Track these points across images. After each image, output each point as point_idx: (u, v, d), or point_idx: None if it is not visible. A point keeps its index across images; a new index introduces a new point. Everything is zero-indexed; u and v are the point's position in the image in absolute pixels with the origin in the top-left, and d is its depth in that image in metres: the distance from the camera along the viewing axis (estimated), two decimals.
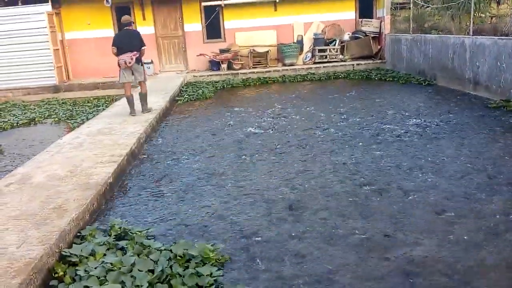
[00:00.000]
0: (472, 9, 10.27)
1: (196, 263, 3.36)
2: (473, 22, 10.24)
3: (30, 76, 13.54)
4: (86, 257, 3.45)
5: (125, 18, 8.67)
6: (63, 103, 12.35)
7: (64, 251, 3.50)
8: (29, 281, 3.02)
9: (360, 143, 6.46)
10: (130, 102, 8.69)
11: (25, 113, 10.91)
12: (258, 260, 3.48)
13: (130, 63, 8.31)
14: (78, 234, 3.89)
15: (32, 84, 13.57)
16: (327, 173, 5.30)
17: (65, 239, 3.67)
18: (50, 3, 13.54)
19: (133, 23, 8.71)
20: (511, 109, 7.92)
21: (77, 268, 3.32)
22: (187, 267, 3.33)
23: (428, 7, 15.23)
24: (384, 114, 8.31)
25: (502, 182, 4.70)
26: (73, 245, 3.63)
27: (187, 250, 3.48)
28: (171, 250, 3.51)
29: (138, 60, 8.49)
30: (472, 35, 9.86)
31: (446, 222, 3.92)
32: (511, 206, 4.15)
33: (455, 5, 12.58)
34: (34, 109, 11.56)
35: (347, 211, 4.25)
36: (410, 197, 4.48)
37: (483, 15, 15.05)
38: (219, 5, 14.65)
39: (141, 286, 3.02)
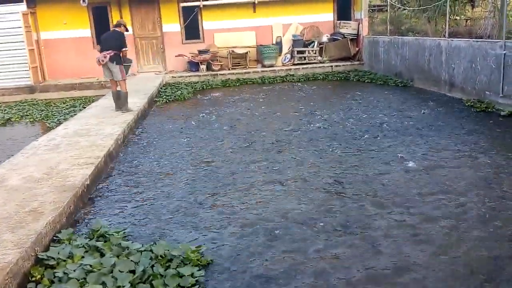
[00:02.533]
0: (448, 12, 10.48)
1: (177, 263, 3.33)
2: (448, 25, 10.44)
3: (5, 76, 13.21)
4: (64, 260, 3.37)
5: (117, 20, 9.49)
6: (36, 104, 12.10)
7: (41, 255, 3.42)
8: (5, 285, 2.94)
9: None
10: (113, 97, 9.05)
11: None
12: None
13: (103, 61, 8.53)
14: (55, 237, 3.80)
15: (7, 84, 13.24)
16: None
17: (41, 243, 3.58)
18: (25, 2, 13.21)
19: (124, 26, 8.91)
20: (482, 108, 8.12)
21: (55, 270, 3.24)
22: (168, 267, 3.29)
23: (405, 9, 15.49)
24: (355, 110, 8.49)
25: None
26: (50, 248, 3.55)
27: (168, 250, 3.44)
28: (151, 251, 3.47)
29: (114, 59, 8.52)
30: (447, 38, 10.06)
31: None
32: None
33: (431, 7, 12.82)
34: (5, 110, 11.31)
35: None
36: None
37: (459, 18, 15.38)
38: (198, 6, 14.59)
39: (123, 286, 2.97)
